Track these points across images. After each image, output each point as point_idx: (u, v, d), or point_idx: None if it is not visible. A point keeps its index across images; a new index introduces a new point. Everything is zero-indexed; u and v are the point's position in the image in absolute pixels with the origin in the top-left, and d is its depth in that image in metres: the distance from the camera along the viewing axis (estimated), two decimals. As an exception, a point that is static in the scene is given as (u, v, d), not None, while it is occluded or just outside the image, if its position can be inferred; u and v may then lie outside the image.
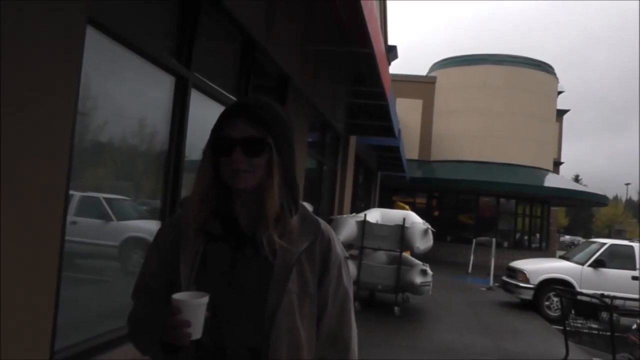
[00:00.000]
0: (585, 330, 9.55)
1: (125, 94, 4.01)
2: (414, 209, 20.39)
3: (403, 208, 16.94)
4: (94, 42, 3.28)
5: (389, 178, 27.61)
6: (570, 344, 8.03)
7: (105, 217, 4.09)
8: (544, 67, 28.87)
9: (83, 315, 3.73)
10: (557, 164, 35.79)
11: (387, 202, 25.88)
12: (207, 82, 5.01)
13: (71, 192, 3.17)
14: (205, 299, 1.48)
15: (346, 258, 1.78)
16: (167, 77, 4.39)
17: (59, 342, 3.14)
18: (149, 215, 4.60)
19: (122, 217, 4.31)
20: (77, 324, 3.61)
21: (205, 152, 1.66)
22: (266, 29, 6.07)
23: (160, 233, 1.80)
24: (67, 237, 3.11)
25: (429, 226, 11.05)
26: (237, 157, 1.59)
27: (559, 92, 31.38)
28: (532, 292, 13.10)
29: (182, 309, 1.44)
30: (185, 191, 4.57)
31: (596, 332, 9.79)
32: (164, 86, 4.41)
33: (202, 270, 1.65)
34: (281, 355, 1.59)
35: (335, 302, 1.71)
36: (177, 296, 1.48)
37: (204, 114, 4.91)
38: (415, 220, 11.19)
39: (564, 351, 7.58)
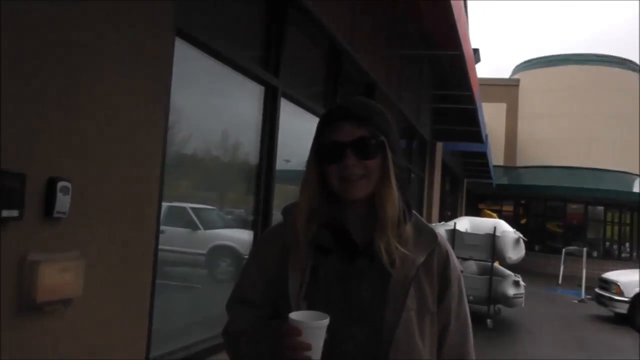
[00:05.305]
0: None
1: (214, 104, 3.98)
2: (500, 216, 19.76)
3: (490, 216, 16.39)
4: (183, 54, 3.24)
5: (474, 185, 26.95)
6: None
7: (193, 226, 4.08)
8: (628, 65, 27.25)
9: (174, 323, 3.70)
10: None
11: (473, 210, 25.24)
12: (296, 90, 4.92)
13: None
14: (326, 321, 1.35)
15: (461, 272, 1.63)
16: (256, 86, 4.33)
17: (154, 349, 3.10)
18: (241, 225, 4.57)
19: (210, 226, 4.28)
20: (170, 332, 3.57)
21: (309, 161, 1.54)
22: (351, 35, 5.95)
23: (260, 244, 1.71)
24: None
25: (521, 235, 10.62)
26: (350, 162, 1.45)
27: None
28: (627, 305, 12.26)
29: (302, 331, 1.32)
30: (277, 201, 4.50)
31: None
32: (254, 95, 4.35)
33: (312, 285, 1.51)
34: None
35: (458, 320, 1.57)
36: (295, 316, 1.35)
37: (294, 122, 4.83)
38: (505, 229, 10.78)
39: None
